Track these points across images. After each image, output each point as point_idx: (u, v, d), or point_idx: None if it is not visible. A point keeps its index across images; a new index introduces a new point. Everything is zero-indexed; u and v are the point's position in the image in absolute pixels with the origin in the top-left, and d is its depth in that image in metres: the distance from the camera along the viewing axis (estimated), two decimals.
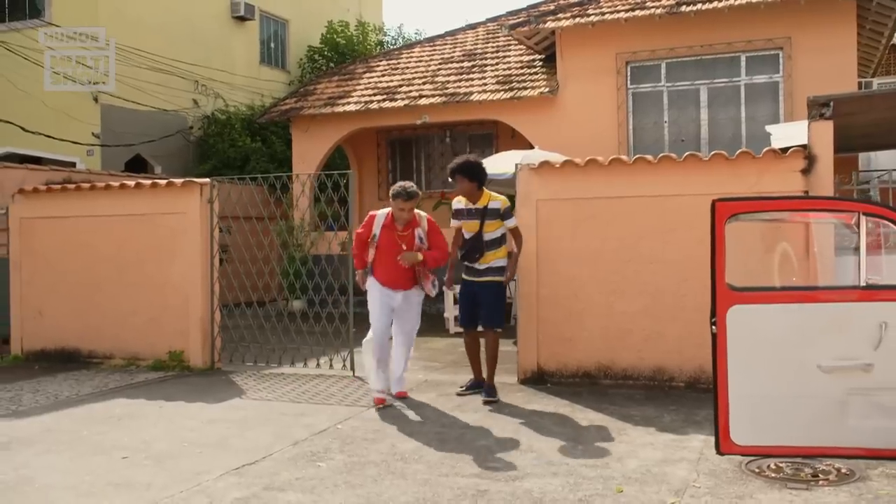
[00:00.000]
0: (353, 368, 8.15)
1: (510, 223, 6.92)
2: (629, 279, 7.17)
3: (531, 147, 12.61)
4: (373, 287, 6.87)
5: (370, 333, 6.89)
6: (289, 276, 11.18)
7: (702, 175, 7.06)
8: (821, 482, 4.52)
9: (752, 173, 6.87)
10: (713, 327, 3.87)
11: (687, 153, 7.22)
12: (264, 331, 9.27)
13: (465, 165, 6.87)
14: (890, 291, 3.83)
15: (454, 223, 7.22)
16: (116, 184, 9.11)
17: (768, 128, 8.87)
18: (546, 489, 4.48)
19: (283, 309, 11.25)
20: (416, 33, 27.02)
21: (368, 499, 4.39)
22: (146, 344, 8.86)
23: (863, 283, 4.17)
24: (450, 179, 7.05)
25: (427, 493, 4.47)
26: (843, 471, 4.67)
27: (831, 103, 6.72)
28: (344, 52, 21.27)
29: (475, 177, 6.88)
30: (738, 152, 6.96)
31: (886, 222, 3.81)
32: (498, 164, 10.15)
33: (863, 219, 4.27)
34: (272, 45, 21.54)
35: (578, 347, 7.36)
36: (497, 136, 15.14)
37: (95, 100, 16.18)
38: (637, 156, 7.37)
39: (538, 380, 7.45)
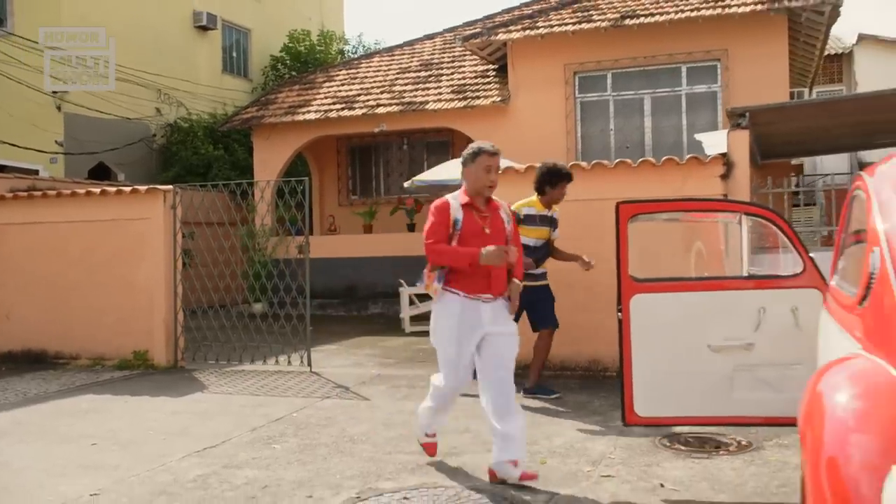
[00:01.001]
0: (309, 365, 8.60)
1: (557, 233, 6.99)
2: (564, 276, 7.70)
3: None
4: (449, 308, 4.65)
5: (439, 378, 4.89)
6: (250, 279, 11.59)
7: (632, 180, 7.64)
8: (721, 452, 5.11)
9: (678, 178, 7.46)
10: (619, 314, 4.40)
11: (618, 160, 7.81)
12: (226, 331, 9.69)
13: (569, 173, 6.79)
14: (767, 281, 4.39)
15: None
16: (83, 191, 9.50)
17: (698, 136, 9.51)
18: (478, 463, 4.99)
19: (244, 311, 11.66)
20: (375, 43, 27.50)
21: (318, 473, 4.87)
22: (112, 344, 9.24)
23: (745, 274, 4.75)
24: (547, 188, 6.80)
25: (371, 467, 4.96)
26: (743, 443, 5.26)
27: (747, 114, 7.34)
28: (306, 61, 21.70)
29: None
30: (663, 159, 7.57)
31: (766, 222, 4.38)
32: (450, 171, 10.68)
33: (744, 218, 4.86)
34: (234, 53, 21.90)
35: (521, 342, 7.85)
36: (453, 143, 15.68)
37: (59, 108, 16.45)
38: (572, 163, 7.93)
39: None
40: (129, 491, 4.64)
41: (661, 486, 4.45)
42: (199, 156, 17.80)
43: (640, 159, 7.74)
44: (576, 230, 7.73)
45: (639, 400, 4.40)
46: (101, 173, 17.47)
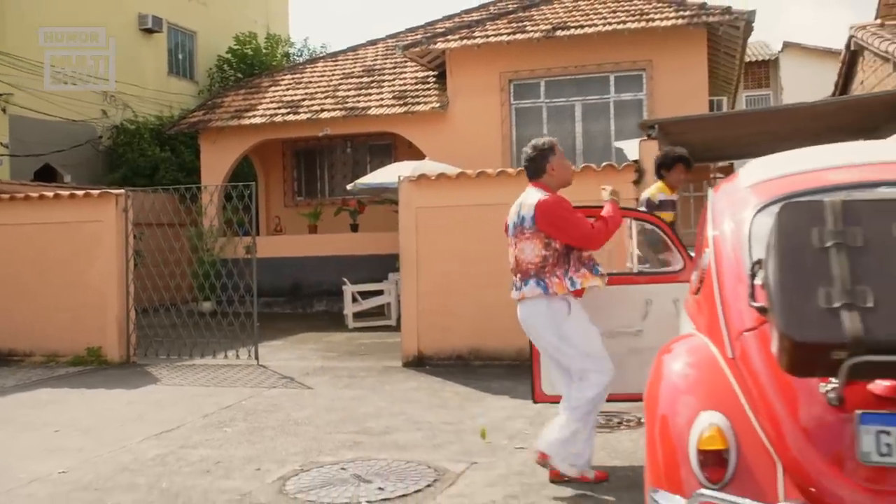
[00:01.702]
0: (257, 358, 9.14)
1: None
2: (495, 274, 8.34)
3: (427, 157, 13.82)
4: (578, 302, 4.66)
5: (590, 383, 4.55)
6: (199, 278, 12.05)
7: None
8: (622, 427, 5.83)
9: (593, 183, 8.15)
10: None
11: None
12: (177, 328, 10.17)
13: (683, 155, 6.78)
14: (654, 277, 5.11)
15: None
16: (36, 195, 9.89)
17: (617, 144, 10.28)
18: (409, 440, 5.63)
19: (193, 309, 12.11)
20: (321, 47, 27.93)
21: (266, 450, 5.46)
22: (66, 341, 9.65)
23: (635, 271, 5.47)
24: (664, 172, 6.79)
25: (313, 445, 5.57)
26: (642, 420, 5.99)
27: (656, 126, 8.10)
28: (252, 64, 22.05)
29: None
30: (582, 166, 8.31)
31: (651, 226, 5.09)
32: (391, 174, 11.29)
33: (633, 222, 5.59)
34: (180, 56, 22.14)
35: (453, 334, 8.57)
36: (395, 146, 16.28)
37: (3, 110, 16.60)
38: (500, 169, 8.64)
39: (418, 363, 8.62)
40: (94, 469, 5.17)
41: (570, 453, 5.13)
42: (145, 157, 18.08)
43: None
44: (502, 232, 8.41)
45: (545, 381, 5.08)
46: (46, 175, 17.64)
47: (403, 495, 4.42)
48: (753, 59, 27.82)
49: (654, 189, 6.84)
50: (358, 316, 12.29)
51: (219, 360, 9.35)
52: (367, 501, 4.34)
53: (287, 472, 4.92)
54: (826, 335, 2.29)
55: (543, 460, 4.59)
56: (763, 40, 30.35)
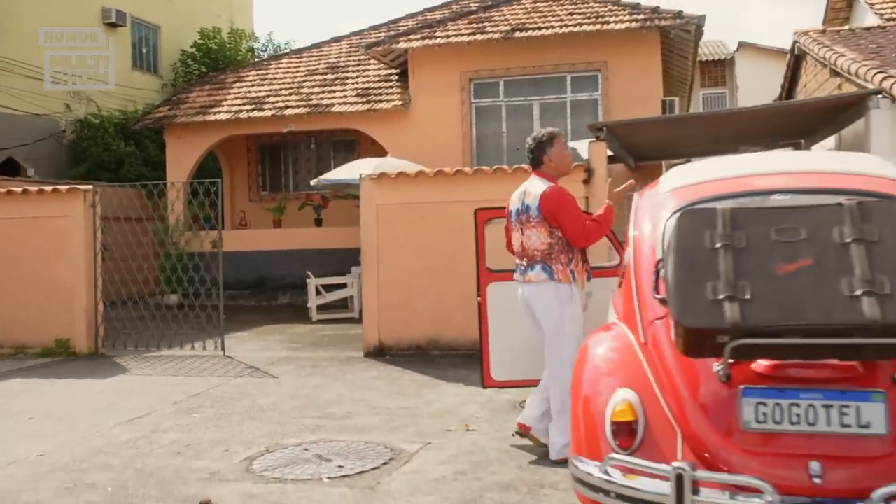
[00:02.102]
0: (223, 349, 9.46)
1: None
2: (452, 269, 8.81)
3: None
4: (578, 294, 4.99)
5: (566, 375, 4.28)
6: (166, 271, 12.31)
7: (508, 183, 8.72)
8: None
9: None
10: (478, 299, 5.49)
11: (496, 166, 8.95)
12: (144, 321, 10.44)
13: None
14: (593, 271, 5.55)
15: None
16: (4, 190, 10.09)
17: (571, 144, 10.68)
18: (368, 423, 6.02)
19: (160, 302, 12.37)
20: (286, 43, 28.09)
21: (233, 434, 5.82)
22: (34, 334, 9.86)
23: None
24: None
25: (278, 429, 5.94)
26: None
27: (604, 128, 8.56)
28: (216, 58, 22.17)
29: None
30: None
31: None
32: (353, 171, 11.62)
33: None
34: (144, 50, 22.18)
35: (412, 326, 8.97)
36: (359, 142, 16.60)
37: None
38: (457, 168, 9.04)
39: (379, 353, 9.01)
40: (70, 452, 5.48)
41: (512, 435, 5.55)
42: (110, 152, 18.17)
43: (515, 166, 8.88)
44: (458, 228, 8.79)
45: (493, 368, 5.50)
46: (9, 169, 17.66)
47: (361, 472, 4.81)
48: (710, 58, 28.53)
49: None
50: (321, 308, 12.64)
51: (186, 351, 9.64)
52: (328, 478, 4.72)
53: (253, 453, 5.29)
54: (711, 322, 2.72)
55: (524, 430, 5.08)
56: (721, 40, 31.11)
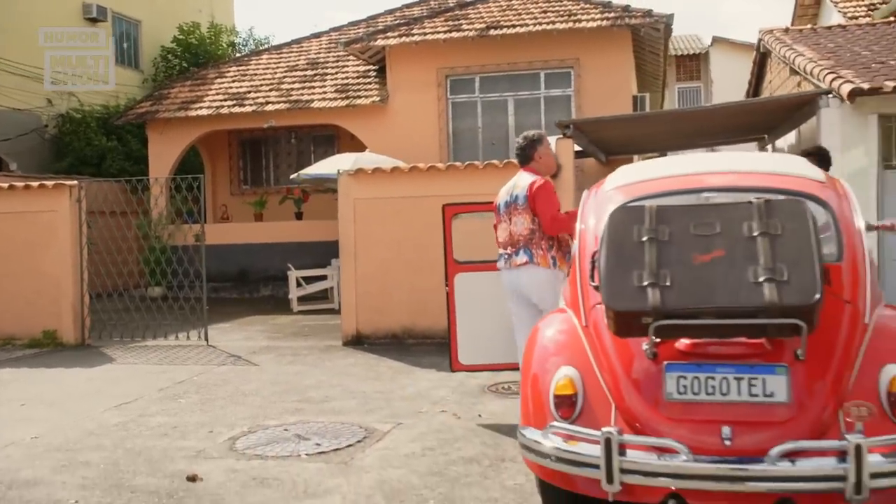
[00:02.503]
0: (206, 339, 9.80)
1: None
2: (426, 261, 9.16)
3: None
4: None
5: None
6: (150, 264, 12.61)
7: (480, 179, 9.16)
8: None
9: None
10: (447, 288, 5.87)
11: (468, 163, 9.33)
12: (130, 312, 10.75)
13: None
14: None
15: None
16: None
17: None
18: (345, 406, 6.40)
19: (144, 294, 12.67)
20: (265, 38, 28.29)
21: (217, 417, 6.18)
22: (22, 325, 10.16)
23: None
24: None
25: (260, 412, 6.31)
26: None
27: (571, 126, 8.95)
28: (197, 53, 22.37)
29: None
30: (504, 162, 9.12)
31: None
32: (332, 166, 11.96)
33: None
34: (125, 45, 22.36)
35: (388, 315, 9.35)
36: (338, 137, 16.93)
37: None
38: (430, 164, 9.42)
39: (357, 342, 9.39)
40: (62, 434, 5.83)
41: (479, 416, 5.96)
42: (92, 147, 18.36)
43: (486, 162, 9.27)
44: (432, 221, 9.04)
45: (461, 352, 5.89)
46: None
47: (337, 449, 5.19)
48: (685, 52, 29.02)
49: None
50: (302, 300, 12.99)
51: (170, 341, 9.98)
52: (306, 454, 5.10)
53: (236, 434, 5.66)
54: (636, 306, 3.13)
55: None
56: (696, 34, 31.53)
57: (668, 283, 3.13)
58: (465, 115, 14.97)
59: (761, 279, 3.05)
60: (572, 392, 3.45)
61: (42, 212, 10.15)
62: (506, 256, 5.50)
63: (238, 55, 24.72)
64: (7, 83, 17.40)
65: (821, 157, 6.53)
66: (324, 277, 13.27)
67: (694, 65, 29.31)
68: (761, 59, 14.07)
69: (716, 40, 28.09)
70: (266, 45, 26.11)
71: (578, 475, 3.28)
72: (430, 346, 9.09)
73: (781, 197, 3.51)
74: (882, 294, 3.93)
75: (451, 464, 4.83)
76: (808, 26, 13.91)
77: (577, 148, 9.89)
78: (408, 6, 19.62)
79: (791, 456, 3.01)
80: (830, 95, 8.44)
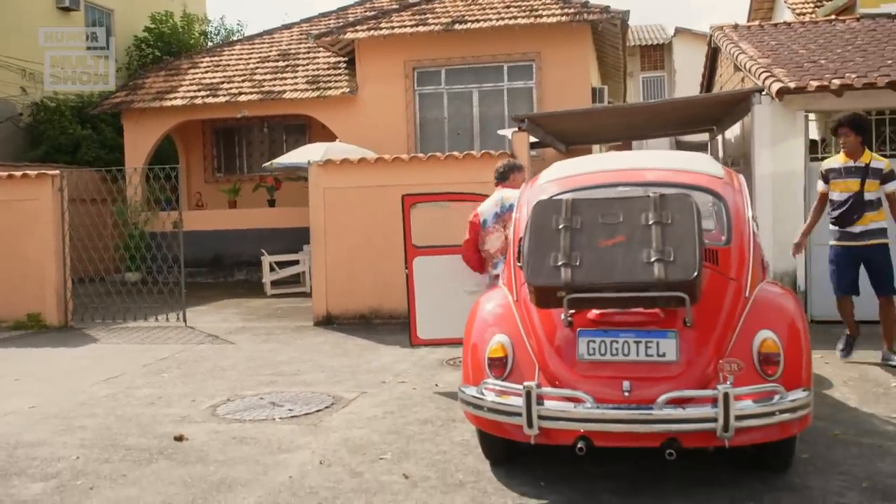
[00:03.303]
0: (185, 321, 10.37)
1: (889, 187, 6.53)
2: (392, 245, 9.74)
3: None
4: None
5: None
6: (128, 250, 13.12)
7: (441, 169, 9.81)
8: None
9: (475, 168, 9.67)
10: (406, 270, 6.52)
11: (430, 154, 9.96)
12: (111, 295, 11.29)
13: (853, 119, 6.60)
14: (502, 248, 6.62)
15: (821, 187, 6.87)
16: None
17: (500, 132, 11.77)
18: (315, 378, 7.05)
19: (122, 279, 13.18)
20: (237, 25, 28.60)
21: (198, 389, 6.80)
22: (7, 309, 10.67)
23: None
24: (833, 136, 6.99)
25: (237, 384, 6.93)
26: None
27: (525, 120, 9.61)
28: (169, 42, 22.73)
29: (861, 131, 6.59)
30: (464, 154, 9.78)
31: None
32: (303, 155, 12.54)
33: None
34: (98, 34, 22.66)
35: (356, 297, 9.99)
36: (310, 126, 17.47)
37: None
38: (394, 156, 10.04)
39: (327, 322, 10.02)
40: (57, 405, 6.41)
41: (436, 385, 6.62)
42: (66, 135, 18.74)
43: (447, 154, 9.92)
44: (397, 209, 9.78)
45: (420, 328, 6.55)
46: None
47: (307, 413, 5.84)
48: (649, 42, 29.77)
49: (829, 159, 7.08)
50: (275, 284, 13.57)
51: (150, 323, 10.55)
52: (280, 418, 5.74)
53: (217, 402, 6.28)
54: (551, 282, 3.80)
55: None
56: (661, 24, 32.28)
57: (577, 264, 3.81)
58: (432, 105, 15.57)
59: (652, 260, 3.74)
60: (503, 355, 4.12)
61: (25, 200, 10.65)
62: (497, 264, 6.09)
63: (210, 44, 25.15)
64: None
65: (856, 126, 6.56)
66: (296, 262, 13.85)
67: (658, 55, 30.07)
68: (713, 54, 14.79)
69: (679, 31, 28.86)
70: (238, 35, 26.54)
71: (506, 422, 3.96)
72: (395, 325, 9.73)
73: (675, 191, 4.19)
74: (768, 271, 4.65)
75: (408, 424, 5.49)
76: (757, 23, 14.61)
77: (534, 140, 10.57)
78: None
79: (676, 403, 3.70)
80: (763, 93, 9.15)
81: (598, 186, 4.65)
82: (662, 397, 3.67)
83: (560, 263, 3.82)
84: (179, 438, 5.25)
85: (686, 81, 25.71)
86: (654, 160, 5.09)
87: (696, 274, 3.67)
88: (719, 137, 13.11)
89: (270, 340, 9.16)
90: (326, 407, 6.03)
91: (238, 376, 7.27)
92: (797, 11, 16.49)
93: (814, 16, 15.45)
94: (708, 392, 3.70)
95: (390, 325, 9.76)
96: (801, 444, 4.64)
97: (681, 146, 23.23)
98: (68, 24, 21.07)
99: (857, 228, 6.61)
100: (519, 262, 4.34)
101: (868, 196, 6.53)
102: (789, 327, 4.06)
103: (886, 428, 5.08)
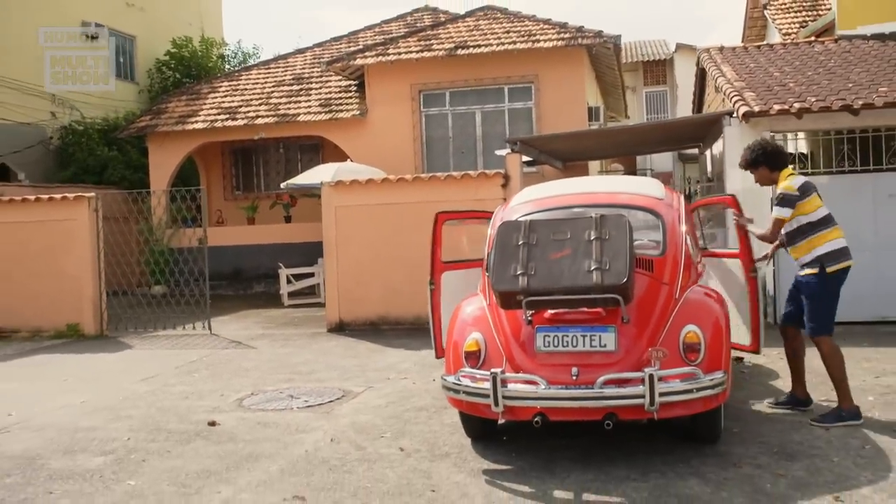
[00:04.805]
0: (210, 329, 11.36)
1: (773, 213, 5.77)
2: (397, 257, 10.78)
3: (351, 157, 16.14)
4: None
5: None
6: (151, 265, 14.15)
7: (443, 188, 10.77)
8: None
9: (473, 187, 10.63)
10: (431, 286, 7.39)
11: (431, 175, 10.94)
12: (142, 307, 12.31)
13: (745, 159, 5.99)
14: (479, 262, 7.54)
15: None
16: (20, 198, 11.91)
17: (498, 152, 12.70)
18: (327, 376, 8.00)
19: (147, 292, 14.19)
20: (253, 48, 29.77)
21: (225, 385, 7.76)
22: (48, 320, 11.69)
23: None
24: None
25: (259, 381, 7.89)
26: None
27: (518, 142, 10.56)
28: (189, 65, 23.84)
29: (756, 164, 5.93)
30: (462, 174, 10.73)
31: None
32: (316, 175, 13.53)
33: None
34: (121, 59, 23.80)
35: (366, 304, 10.94)
36: (323, 146, 18.48)
37: None
38: (399, 176, 11.03)
39: (339, 328, 10.98)
40: (104, 399, 7.39)
41: (433, 380, 7.54)
42: (94, 157, 19.82)
43: (446, 174, 10.88)
44: (402, 224, 10.80)
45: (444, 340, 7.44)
46: (2, 174, 19.32)
47: (321, 403, 6.79)
48: (652, 58, 30.69)
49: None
50: (292, 295, 14.55)
51: (178, 331, 11.55)
52: (297, 407, 6.69)
53: (242, 396, 7.24)
54: (512, 287, 4.73)
55: None
56: (664, 39, 33.19)
57: (533, 273, 4.75)
58: (437, 126, 16.55)
59: (592, 268, 4.67)
60: (477, 349, 5.05)
61: (64, 220, 11.68)
62: None
63: (227, 66, 26.29)
64: (13, 100, 18.86)
65: (751, 164, 5.94)
66: (311, 275, 14.82)
67: (660, 70, 30.96)
68: (702, 74, 15.70)
69: (679, 47, 29.73)
70: (254, 58, 27.68)
71: (479, 402, 4.88)
72: (401, 330, 10.68)
73: (616, 212, 5.12)
74: (700, 276, 5.58)
75: (406, 411, 6.43)
76: (741, 45, 15.50)
77: (528, 158, 11.51)
78: (386, 22, 21.22)
79: (613, 384, 4.62)
80: (732, 115, 10.05)
81: (558, 208, 5.59)
82: (601, 378, 4.59)
83: (519, 273, 4.76)
84: (212, 424, 6.21)
85: (687, 96, 26.43)
86: (606, 185, 6.02)
87: (626, 279, 4.59)
88: (707, 152, 14.00)
89: (288, 345, 10.11)
90: (337, 398, 6.97)
91: (260, 375, 8.23)
92: (783, 31, 17.37)
93: (795, 36, 16.32)
94: (638, 374, 4.60)
95: (397, 331, 10.70)
96: (735, 421, 5.58)
97: (682, 158, 24.25)
98: (94, 50, 22.23)
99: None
100: (487, 271, 5.28)
101: (785, 227, 5.80)
102: (711, 322, 4.97)
103: (812, 408, 5.97)
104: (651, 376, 4.50)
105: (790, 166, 6.01)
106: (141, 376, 8.43)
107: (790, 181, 5.71)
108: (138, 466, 5.22)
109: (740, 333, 6.04)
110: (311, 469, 5.03)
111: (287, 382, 7.80)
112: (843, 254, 5.68)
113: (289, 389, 7.42)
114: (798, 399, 6.06)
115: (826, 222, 5.70)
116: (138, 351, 10.26)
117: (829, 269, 5.62)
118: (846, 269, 5.68)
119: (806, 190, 5.67)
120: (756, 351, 6.15)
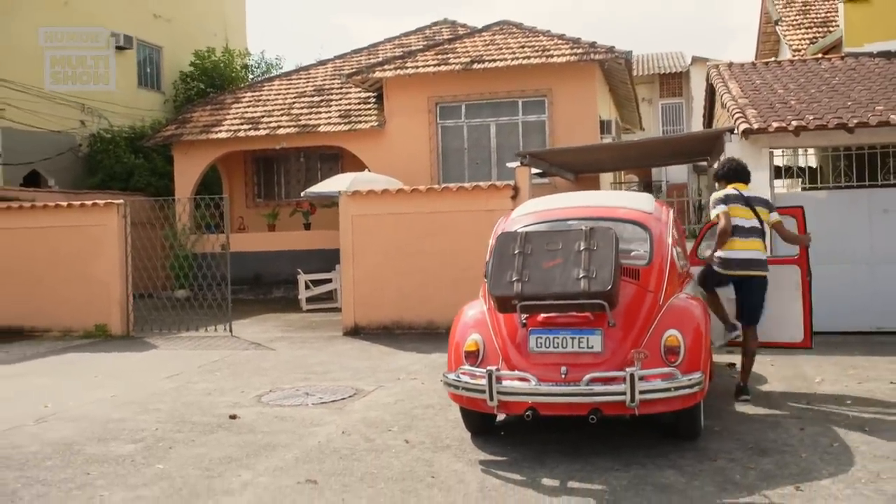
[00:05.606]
0: (231, 331, 11.88)
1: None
2: (411, 265, 11.25)
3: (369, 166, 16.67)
4: None
5: None
6: (175, 269, 14.71)
7: (455, 199, 11.24)
8: None
9: (484, 198, 11.09)
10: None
11: (443, 186, 11.42)
12: (167, 309, 12.86)
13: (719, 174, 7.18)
14: None
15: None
16: (53, 204, 12.53)
17: (509, 164, 13.15)
18: (341, 376, 8.48)
19: (171, 295, 14.75)
20: (276, 59, 30.45)
21: (245, 383, 8.25)
22: (77, 320, 12.26)
23: None
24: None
25: (277, 380, 8.38)
26: None
27: (527, 155, 11.01)
28: (213, 75, 24.51)
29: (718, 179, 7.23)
30: (473, 186, 11.20)
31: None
32: (335, 184, 14.05)
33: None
34: (148, 69, 24.51)
35: (380, 310, 11.42)
36: (342, 156, 19.01)
37: None
38: (413, 187, 11.52)
39: (355, 332, 11.47)
40: (133, 394, 7.90)
41: (441, 381, 7.99)
42: (121, 164, 20.50)
43: (458, 185, 11.36)
44: (416, 233, 11.29)
45: None
46: (33, 180, 20.02)
47: (334, 400, 7.26)
48: (668, 71, 31.07)
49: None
50: (310, 300, 15.07)
51: (200, 333, 12.08)
52: (312, 404, 7.17)
53: (261, 393, 7.73)
54: (507, 293, 5.19)
55: None
56: (681, 51, 33.53)
57: (527, 280, 5.20)
58: (453, 137, 17.03)
59: (580, 276, 5.11)
60: (476, 349, 5.51)
61: (94, 226, 12.26)
62: None
63: (251, 76, 26.96)
64: (45, 109, 19.57)
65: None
66: (329, 280, 15.32)
67: (676, 82, 31.34)
68: (711, 89, 16.08)
69: (695, 59, 30.09)
70: (276, 68, 28.33)
71: (476, 398, 5.34)
72: (413, 335, 11.15)
73: (605, 224, 5.57)
74: (685, 284, 6.01)
75: (414, 408, 6.89)
76: (749, 61, 15.87)
77: (537, 171, 11.96)
78: (406, 35, 21.76)
79: (598, 382, 5.06)
80: (733, 132, 10.44)
81: (555, 220, 6.05)
82: (587, 377, 5.03)
83: (514, 279, 5.22)
84: (233, 417, 6.70)
85: (701, 108, 26.93)
86: (600, 200, 6.48)
87: (610, 287, 5.03)
88: (715, 165, 14.38)
89: (305, 347, 10.60)
90: (350, 396, 7.45)
91: (278, 374, 8.72)
92: (793, 48, 17.72)
93: (804, 52, 16.67)
94: (620, 373, 5.04)
95: (409, 335, 11.17)
96: (717, 420, 6.01)
97: (697, 170, 24.66)
98: (122, 61, 22.91)
99: None
100: (486, 278, 5.73)
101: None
102: (692, 327, 5.40)
103: (791, 411, 6.37)
104: (632, 375, 4.93)
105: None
106: (166, 374, 8.94)
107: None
108: (166, 453, 5.72)
109: (790, 331, 6.99)
110: (323, 457, 5.50)
111: (303, 381, 8.28)
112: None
113: (305, 387, 7.90)
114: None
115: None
116: (163, 351, 10.79)
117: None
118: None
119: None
120: (808, 346, 7.09)
